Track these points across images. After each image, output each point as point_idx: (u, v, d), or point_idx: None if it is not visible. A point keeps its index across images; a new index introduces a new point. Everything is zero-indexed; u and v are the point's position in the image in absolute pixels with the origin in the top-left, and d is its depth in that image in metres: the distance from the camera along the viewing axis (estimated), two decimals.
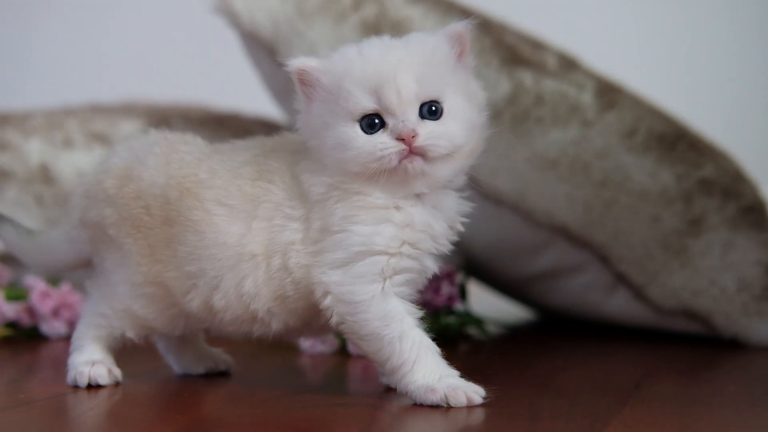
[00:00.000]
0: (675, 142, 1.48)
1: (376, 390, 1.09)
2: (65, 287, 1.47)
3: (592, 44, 1.91)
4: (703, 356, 1.36)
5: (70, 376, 1.06)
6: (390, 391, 1.04)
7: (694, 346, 1.42)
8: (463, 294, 1.50)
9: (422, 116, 0.96)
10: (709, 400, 1.05)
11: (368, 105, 0.96)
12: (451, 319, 1.47)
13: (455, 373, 0.98)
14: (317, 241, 0.98)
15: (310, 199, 0.99)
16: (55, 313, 1.46)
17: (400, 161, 0.95)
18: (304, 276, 0.98)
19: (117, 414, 0.97)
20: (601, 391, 1.08)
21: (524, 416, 0.94)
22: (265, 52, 1.55)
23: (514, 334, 1.59)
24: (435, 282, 1.45)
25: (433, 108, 0.96)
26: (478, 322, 1.49)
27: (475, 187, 1.48)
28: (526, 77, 1.51)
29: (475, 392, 0.96)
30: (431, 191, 0.99)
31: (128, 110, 1.74)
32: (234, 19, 1.54)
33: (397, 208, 0.97)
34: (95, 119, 1.72)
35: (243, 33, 1.56)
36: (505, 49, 1.53)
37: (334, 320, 0.98)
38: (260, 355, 1.17)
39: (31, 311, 1.47)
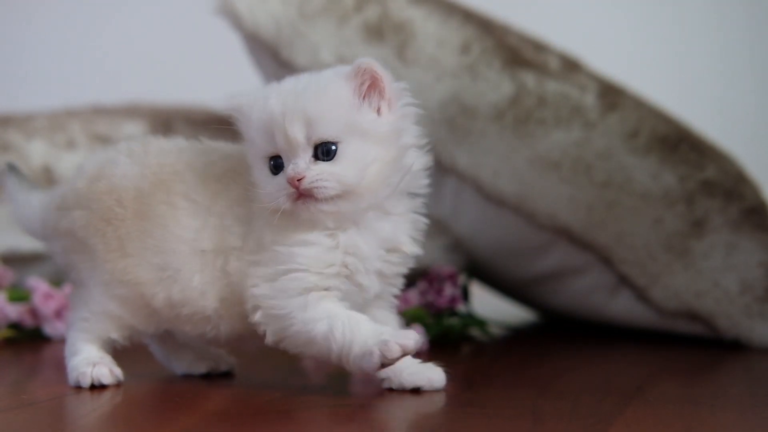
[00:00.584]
0: (677, 143, 1.48)
1: (380, 390, 1.09)
2: (68, 288, 1.47)
3: (593, 46, 1.91)
4: (706, 358, 1.36)
5: (72, 378, 1.06)
6: (392, 392, 1.04)
7: (697, 348, 1.41)
8: (465, 295, 1.50)
9: (317, 157, 0.98)
10: (712, 401, 1.05)
11: (269, 148, 1.00)
12: (453, 321, 1.47)
13: (389, 330, 0.99)
14: (254, 252, 1.01)
15: (253, 209, 1.02)
16: (58, 314, 1.46)
17: (294, 202, 0.98)
18: (239, 282, 1.01)
19: (120, 415, 0.97)
20: (603, 393, 1.08)
21: (527, 417, 0.94)
22: (268, 53, 1.55)
23: (516, 335, 1.59)
24: (438, 284, 1.45)
25: (327, 149, 0.98)
26: (480, 323, 1.49)
27: (478, 188, 1.49)
28: (529, 79, 1.51)
29: (407, 338, 0.96)
30: (341, 225, 1.00)
31: (131, 112, 1.75)
32: (236, 21, 1.55)
33: (326, 231, 1.00)
34: (97, 121, 1.72)
35: (245, 35, 1.56)
36: (508, 50, 1.53)
37: (270, 339, 1.01)
38: (263, 355, 1.17)
39: (34, 312, 1.47)
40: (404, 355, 0.97)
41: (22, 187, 1.15)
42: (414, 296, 1.45)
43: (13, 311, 1.46)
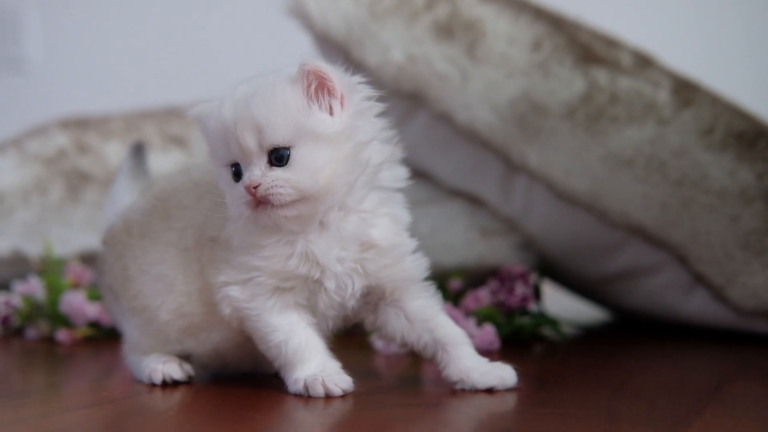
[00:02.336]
0: (755, 139, 1.45)
1: (451, 390, 1.08)
2: None
3: (665, 40, 1.88)
4: None
5: (144, 375, 1.09)
6: (464, 391, 1.03)
7: None
8: (537, 294, 1.49)
9: (272, 163, 0.98)
10: None
11: (226, 156, 1.00)
12: (525, 320, 1.46)
13: (335, 366, 1.02)
14: (225, 250, 1.03)
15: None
16: None
17: (254, 209, 0.98)
18: (211, 281, 1.03)
19: (195, 413, 0.98)
20: (680, 394, 1.06)
21: (602, 419, 0.93)
22: (338, 54, 1.56)
23: (588, 334, 1.58)
24: (509, 283, 1.45)
25: (280, 155, 0.98)
26: (552, 322, 1.48)
27: (549, 187, 1.48)
28: (601, 75, 1.49)
29: (336, 384, 1.00)
30: (304, 227, 1.00)
31: None
32: (307, 22, 1.56)
33: (286, 236, 1.01)
34: (171, 122, 1.75)
35: (316, 35, 1.57)
36: (579, 47, 1.52)
37: (235, 324, 1.04)
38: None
39: None
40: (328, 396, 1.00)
41: (133, 174, 1.22)
42: (485, 295, 1.44)
43: (92, 310, 1.49)
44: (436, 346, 1.05)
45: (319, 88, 0.98)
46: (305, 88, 0.98)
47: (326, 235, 1.01)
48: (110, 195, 1.23)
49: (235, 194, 0.99)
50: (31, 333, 1.48)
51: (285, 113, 0.98)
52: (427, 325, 1.05)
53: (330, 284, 1.02)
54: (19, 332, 1.52)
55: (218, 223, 1.03)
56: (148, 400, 1.03)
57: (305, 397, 1.00)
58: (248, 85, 1.00)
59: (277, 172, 0.97)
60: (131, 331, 1.11)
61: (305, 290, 1.02)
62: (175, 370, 1.08)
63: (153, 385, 1.08)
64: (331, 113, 0.99)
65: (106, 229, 1.16)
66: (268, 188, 0.97)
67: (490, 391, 1.02)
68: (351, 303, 1.04)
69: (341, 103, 0.99)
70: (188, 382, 1.09)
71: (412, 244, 1.06)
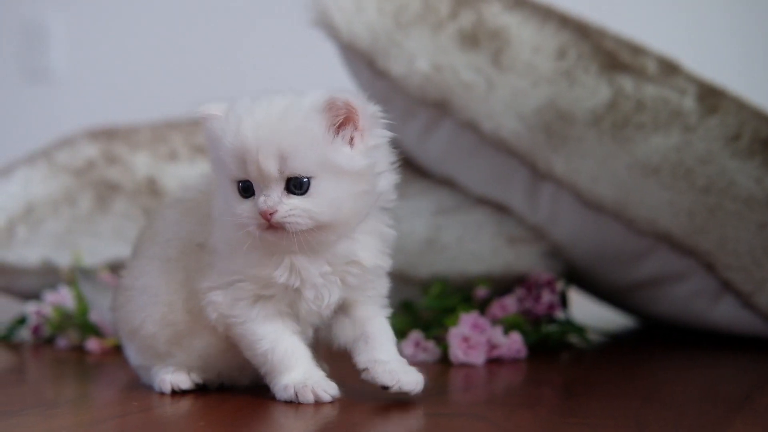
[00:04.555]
0: None
1: (479, 399, 1.09)
2: None
3: (692, 48, 1.87)
4: None
5: (155, 385, 1.10)
6: (492, 401, 1.04)
7: None
8: (564, 302, 1.49)
9: (289, 190, 0.97)
10: None
11: (239, 174, 0.98)
12: (552, 328, 1.46)
13: (321, 374, 1.03)
14: (211, 255, 1.03)
15: (213, 217, 1.04)
16: None
17: (263, 231, 0.98)
18: (197, 287, 1.04)
19: (231, 423, 0.99)
20: (709, 403, 1.06)
21: (631, 428, 0.92)
22: (364, 63, 1.56)
23: (616, 342, 1.57)
24: (536, 290, 1.44)
25: (299, 183, 0.97)
26: (579, 330, 1.48)
27: (576, 194, 1.48)
28: (627, 83, 1.49)
29: (325, 391, 1.01)
30: (308, 250, 1.00)
31: None
32: (333, 32, 1.56)
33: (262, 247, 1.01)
34: (198, 132, 1.76)
35: (342, 45, 1.58)
36: (605, 54, 1.52)
37: (221, 329, 1.04)
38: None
39: None
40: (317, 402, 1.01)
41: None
42: (512, 303, 1.44)
43: None
44: (361, 338, 1.06)
45: (345, 122, 0.98)
46: (332, 120, 0.98)
47: (313, 252, 1.01)
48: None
49: (242, 210, 0.98)
50: (62, 342, 1.50)
51: (311, 144, 0.97)
52: (363, 324, 1.07)
53: (309, 294, 1.02)
54: (49, 341, 1.54)
55: (206, 230, 1.05)
56: (177, 409, 1.03)
57: (295, 404, 1.01)
58: (269, 106, 0.98)
59: (295, 201, 0.97)
60: (134, 357, 1.14)
61: (286, 298, 1.03)
62: (182, 379, 1.09)
63: (162, 394, 1.09)
64: (351, 144, 0.99)
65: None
66: (286, 216, 0.97)
67: (385, 389, 1.02)
68: (326, 312, 1.05)
69: (362, 136, 0.99)
70: (203, 389, 1.10)
71: (389, 263, 1.07)
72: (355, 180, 0.99)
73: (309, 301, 1.03)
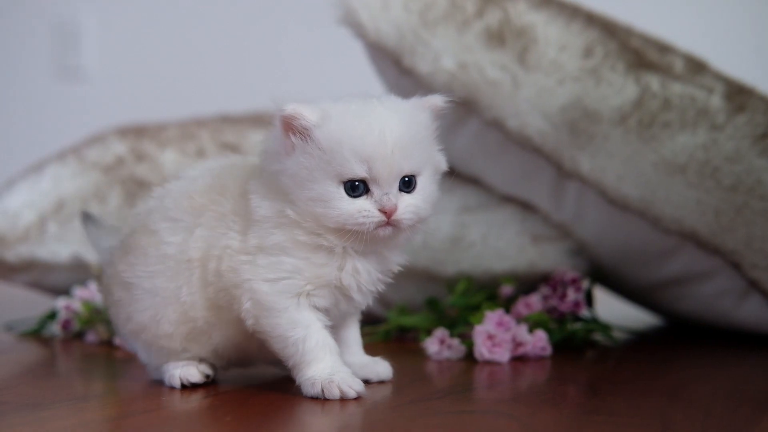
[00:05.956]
0: None
1: (503, 397, 1.09)
2: None
3: (719, 46, 1.86)
4: None
5: (166, 381, 1.12)
6: (516, 398, 1.04)
7: None
8: (589, 300, 1.49)
9: (399, 188, 1.03)
10: None
11: (360, 173, 1.01)
12: (577, 326, 1.45)
13: (346, 370, 1.05)
14: (251, 254, 1.05)
15: (252, 218, 1.05)
16: None
17: (375, 228, 1.02)
18: (232, 282, 1.05)
19: (258, 418, 0.99)
20: (736, 401, 1.05)
21: (656, 427, 0.93)
22: (390, 61, 1.57)
23: (641, 340, 1.57)
24: (561, 288, 1.45)
25: (409, 181, 1.03)
26: (604, 328, 1.48)
27: (601, 193, 1.47)
28: (653, 81, 1.49)
29: (350, 387, 1.03)
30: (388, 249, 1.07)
31: (256, 120, 1.79)
32: (360, 30, 1.57)
33: (333, 251, 1.04)
34: (225, 130, 1.78)
35: (368, 43, 1.59)
36: (631, 53, 1.51)
37: (249, 322, 1.06)
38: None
39: None
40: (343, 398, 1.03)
41: (101, 233, 1.25)
42: (536, 301, 1.44)
43: None
44: (337, 342, 1.10)
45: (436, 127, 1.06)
46: (436, 121, 1.06)
47: (372, 256, 1.06)
48: (98, 252, 1.27)
49: (354, 208, 1.01)
50: (91, 337, 1.52)
51: (427, 144, 1.05)
52: (339, 329, 1.12)
53: (357, 297, 1.07)
54: (79, 336, 1.56)
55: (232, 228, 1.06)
56: (203, 405, 1.04)
57: (320, 401, 1.03)
58: (390, 107, 1.03)
59: (408, 198, 1.03)
60: (140, 353, 1.15)
61: (332, 297, 1.06)
62: (192, 373, 1.10)
63: (173, 388, 1.10)
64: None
65: (106, 257, 1.19)
66: (404, 213, 1.02)
67: (366, 382, 1.07)
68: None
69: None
70: (211, 382, 1.12)
71: None
72: (436, 178, 1.07)
73: (354, 303, 1.08)
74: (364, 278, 1.06)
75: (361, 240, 1.02)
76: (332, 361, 1.05)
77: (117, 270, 1.12)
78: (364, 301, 1.09)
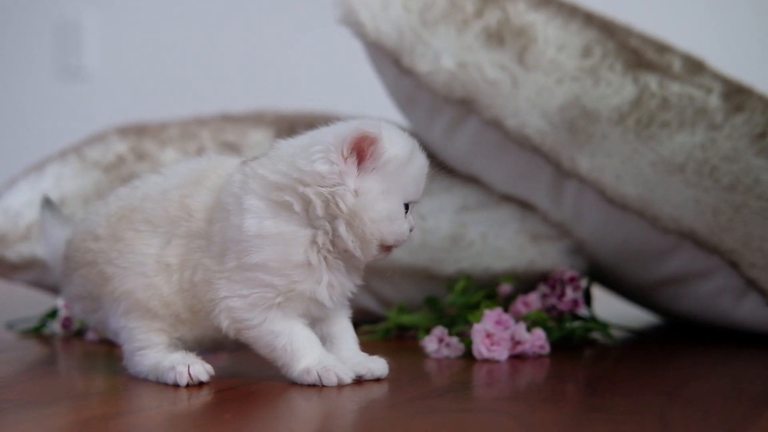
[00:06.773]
0: None
1: (502, 395, 1.09)
2: None
3: (717, 46, 1.87)
4: None
5: (170, 377, 1.11)
6: (516, 396, 1.04)
7: None
8: (587, 299, 1.50)
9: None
10: None
11: (415, 197, 1.09)
12: (575, 325, 1.46)
13: (334, 358, 1.10)
14: (228, 271, 1.07)
15: (232, 238, 1.07)
16: None
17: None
18: (207, 296, 1.09)
19: (257, 415, 1.00)
20: (735, 400, 1.06)
21: (655, 425, 0.93)
22: (389, 61, 1.57)
23: (639, 339, 1.57)
24: (559, 287, 1.45)
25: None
26: (603, 327, 1.48)
27: (600, 192, 1.48)
28: (652, 81, 1.49)
29: (346, 373, 1.08)
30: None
31: (257, 120, 1.80)
32: (359, 30, 1.57)
33: (312, 265, 1.07)
34: (226, 129, 1.78)
35: (368, 43, 1.59)
36: (630, 52, 1.52)
37: (231, 335, 1.10)
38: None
39: None
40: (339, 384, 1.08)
41: (54, 222, 1.28)
42: (535, 300, 1.45)
43: None
44: (327, 338, 1.14)
45: None
46: None
47: (344, 271, 1.10)
48: (46, 239, 1.29)
49: (407, 227, 1.08)
50: (91, 335, 1.52)
51: None
52: (329, 326, 1.14)
53: (329, 304, 1.10)
54: (79, 334, 1.56)
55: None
56: (203, 402, 1.05)
57: (316, 394, 1.05)
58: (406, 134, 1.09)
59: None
60: (128, 333, 1.16)
61: (304, 305, 1.09)
62: (201, 372, 1.11)
63: (176, 386, 1.10)
64: None
65: (65, 247, 1.21)
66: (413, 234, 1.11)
67: (359, 379, 1.11)
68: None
69: None
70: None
71: None
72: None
73: (324, 309, 1.11)
74: (338, 291, 1.10)
75: (369, 258, 1.09)
76: (319, 354, 1.09)
77: (106, 250, 1.14)
78: (335, 307, 1.12)
